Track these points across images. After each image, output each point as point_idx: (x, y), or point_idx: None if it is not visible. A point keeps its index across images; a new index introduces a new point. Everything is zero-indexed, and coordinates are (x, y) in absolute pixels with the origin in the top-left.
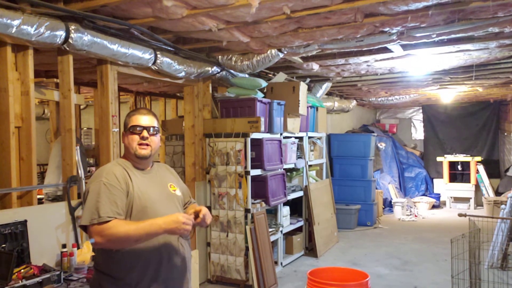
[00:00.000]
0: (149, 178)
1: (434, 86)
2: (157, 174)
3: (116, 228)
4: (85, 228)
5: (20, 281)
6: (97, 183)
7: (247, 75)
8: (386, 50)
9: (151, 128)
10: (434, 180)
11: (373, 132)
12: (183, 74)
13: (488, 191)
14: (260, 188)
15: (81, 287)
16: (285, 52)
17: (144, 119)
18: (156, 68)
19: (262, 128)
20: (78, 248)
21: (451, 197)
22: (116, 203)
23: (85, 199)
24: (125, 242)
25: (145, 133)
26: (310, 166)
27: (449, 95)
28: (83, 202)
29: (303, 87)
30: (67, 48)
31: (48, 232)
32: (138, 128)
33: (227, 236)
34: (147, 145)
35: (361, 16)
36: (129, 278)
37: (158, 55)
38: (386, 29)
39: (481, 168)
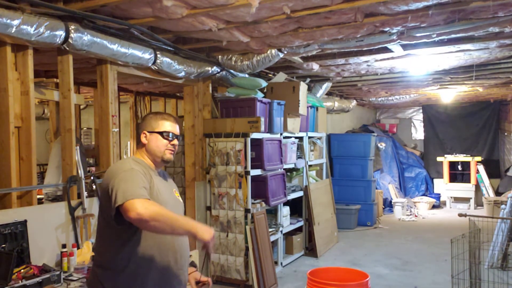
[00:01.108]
0: (161, 181)
1: (434, 86)
2: (165, 178)
3: (161, 207)
4: (116, 212)
5: (20, 281)
6: (126, 171)
7: (247, 75)
8: (386, 50)
9: (179, 137)
10: (434, 180)
11: (373, 132)
12: (183, 74)
13: (488, 191)
14: (260, 188)
15: (81, 287)
16: (285, 52)
17: (175, 128)
18: (156, 68)
19: (262, 128)
20: (78, 248)
21: (451, 197)
22: (146, 189)
23: (113, 185)
24: (165, 224)
25: (175, 141)
26: (310, 166)
27: (449, 95)
28: (110, 190)
29: (303, 87)
30: (67, 48)
31: (48, 232)
32: (171, 135)
33: (227, 236)
34: (173, 150)
35: (361, 16)
36: (133, 272)
37: (158, 55)
38: (386, 29)
39: (481, 168)
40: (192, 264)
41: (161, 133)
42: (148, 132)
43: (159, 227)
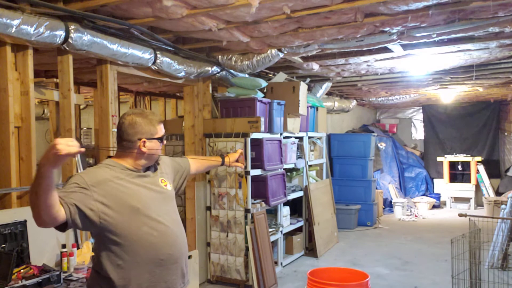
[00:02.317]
0: (142, 178)
1: (434, 86)
2: (149, 174)
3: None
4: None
5: (20, 281)
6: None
7: (247, 75)
8: (386, 50)
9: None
10: (434, 180)
11: (373, 132)
12: (183, 74)
13: (488, 191)
14: (260, 188)
15: (80, 287)
16: (285, 52)
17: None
18: (156, 68)
19: (262, 128)
20: (78, 248)
21: (452, 197)
22: (66, 195)
23: None
24: (33, 199)
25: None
26: (310, 166)
27: (449, 95)
28: None
29: (303, 87)
30: (67, 48)
31: (48, 232)
32: (165, 137)
33: (227, 236)
34: None
35: (361, 16)
36: (129, 282)
37: (158, 55)
38: (386, 29)
39: (481, 168)
40: (222, 157)
41: (160, 139)
42: (147, 139)
43: (36, 205)
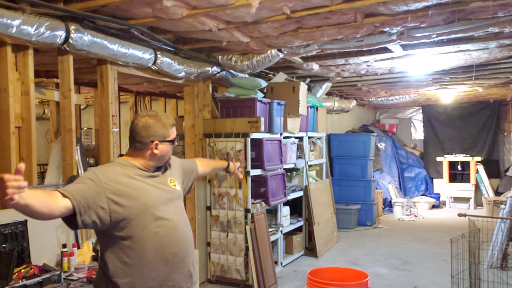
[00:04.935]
0: (152, 178)
1: (434, 86)
2: (161, 171)
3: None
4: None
5: (20, 281)
6: (83, 177)
7: (247, 75)
8: (386, 50)
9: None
10: (434, 180)
11: (373, 132)
12: (183, 74)
13: (488, 191)
14: (260, 188)
15: (81, 287)
16: (285, 52)
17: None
18: (156, 68)
19: (262, 128)
20: (78, 248)
21: (451, 197)
22: (80, 191)
23: None
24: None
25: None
26: (310, 166)
27: (449, 95)
28: None
29: (303, 87)
30: (67, 48)
31: (49, 232)
32: (176, 139)
33: (227, 236)
34: None
35: (361, 16)
36: (135, 280)
37: (158, 55)
38: (386, 29)
39: (481, 168)
40: (227, 159)
41: (172, 141)
42: (160, 141)
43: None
